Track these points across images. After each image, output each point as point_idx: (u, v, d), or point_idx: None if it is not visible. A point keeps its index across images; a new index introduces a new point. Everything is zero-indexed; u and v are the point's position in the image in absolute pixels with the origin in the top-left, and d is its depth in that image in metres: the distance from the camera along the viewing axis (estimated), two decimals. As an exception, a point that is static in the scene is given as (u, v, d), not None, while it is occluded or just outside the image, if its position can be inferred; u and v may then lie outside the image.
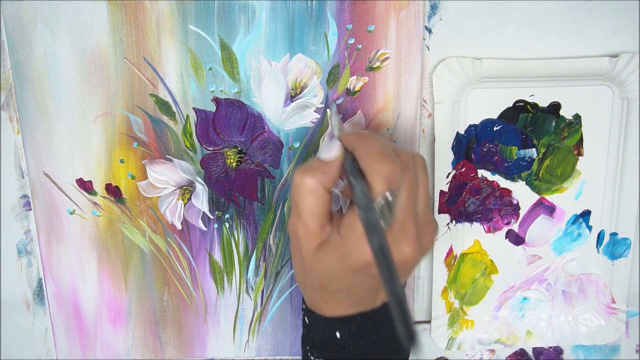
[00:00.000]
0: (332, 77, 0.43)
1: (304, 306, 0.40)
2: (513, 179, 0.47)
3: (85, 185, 0.45)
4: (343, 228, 0.34)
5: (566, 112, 0.45)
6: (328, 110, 0.44)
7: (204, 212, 0.46)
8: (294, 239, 0.36)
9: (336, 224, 0.35)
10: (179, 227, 0.46)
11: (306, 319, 0.40)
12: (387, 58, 0.43)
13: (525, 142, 0.46)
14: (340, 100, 0.44)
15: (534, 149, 0.46)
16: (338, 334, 0.37)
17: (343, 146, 0.36)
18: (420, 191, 0.35)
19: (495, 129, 0.45)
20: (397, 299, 0.29)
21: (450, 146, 0.45)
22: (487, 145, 0.46)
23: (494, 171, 0.46)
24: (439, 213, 0.47)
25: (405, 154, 0.35)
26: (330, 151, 0.35)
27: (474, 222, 0.48)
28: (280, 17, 0.42)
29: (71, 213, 0.46)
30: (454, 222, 0.47)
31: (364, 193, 0.32)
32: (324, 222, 0.35)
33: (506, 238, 0.48)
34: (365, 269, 0.33)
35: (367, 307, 0.37)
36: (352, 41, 0.42)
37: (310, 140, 0.44)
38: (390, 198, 0.32)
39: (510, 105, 0.45)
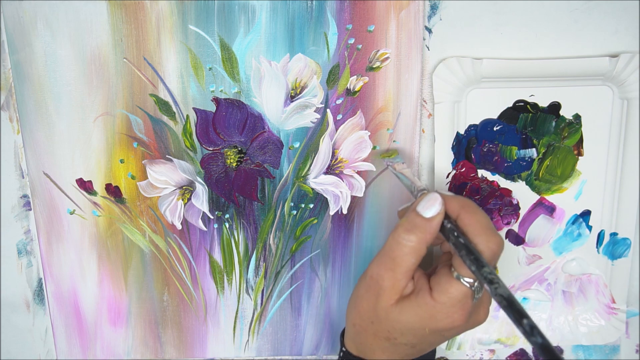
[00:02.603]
0: (332, 77, 0.43)
1: (344, 349, 0.41)
2: (513, 179, 0.47)
3: (85, 185, 0.45)
4: (438, 292, 0.35)
5: (566, 112, 0.45)
6: (390, 165, 0.43)
7: (204, 212, 0.46)
8: (374, 287, 0.36)
9: (422, 282, 0.36)
10: (179, 227, 0.46)
11: None
12: (387, 58, 0.43)
13: (525, 142, 0.46)
14: (341, 100, 0.44)
15: (534, 149, 0.46)
16: None
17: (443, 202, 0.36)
18: None
19: (495, 129, 0.45)
20: (548, 347, 0.30)
21: (450, 146, 0.45)
22: (487, 145, 0.46)
23: (494, 171, 0.46)
24: (439, 213, 0.47)
25: None
26: (431, 207, 0.35)
27: (474, 222, 0.48)
28: (280, 17, 0.42)
29: (71, 213, 0.46)
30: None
31: (486, 265, 0.33)
32: (411, 277, 0.36)
33: (506, 238, 0.48)
34: (447, 332, 0.36)
35: (414, 357, 0.39)
36: (352, 41, 0.42)
37: (310, 140, 0.44)
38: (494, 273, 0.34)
39: (510, 105, 0.45)
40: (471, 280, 0.35)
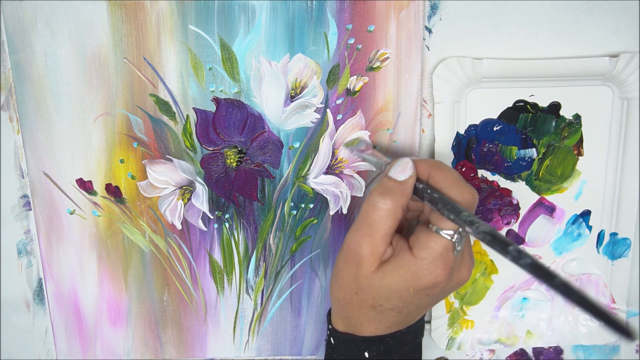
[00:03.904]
0: (332, 77, 0.43)
1: (330, 327, 0.40)
2: (513, 179, 0.47)
3: (85, 185, 0.45)
4: (418, 249, 0.35)
5: (566, 112, 0.45)
6: (356, 150, 0.44)
7: (204, 212, 0.46)
8: (353, 257, 0.36)
9: (401, 244, 0.36)
10: (179, 227, 0.46)
11: (332, 339, 0.40)
12: (387, 58, 0.43)
13: (525, 142, 0.46)
14: (341, 100, 0.44)
15: (534, 149, 0.46)
16: (367, 354, 0.38)
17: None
18: None
19: (495, 129, 0.45)
20: (581, 296, 0.29)
21: (450, 146, 0.45)
22: (487, 145, 0.46)
23: (494, 171, 0.46)
24: (439, 213, 0.47)
25: None
26: (403, 171, 0.36)
27: (474, 222, 0.48)
28: (280, 17, 0.42)
29: (71, 213, 0.46)
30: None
31: (463, 209, 0.33)
32: (389, 242, 0.36)
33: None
34: (431, 289, 0.35)
35: (402, 327, 0.38)
36: (352, 41, 0.42)
37: (310, 140, 0.44)
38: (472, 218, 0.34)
39: (510, 105, 0.45)
40: (451, 232, 0.35)
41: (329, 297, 0.41)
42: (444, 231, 0.35)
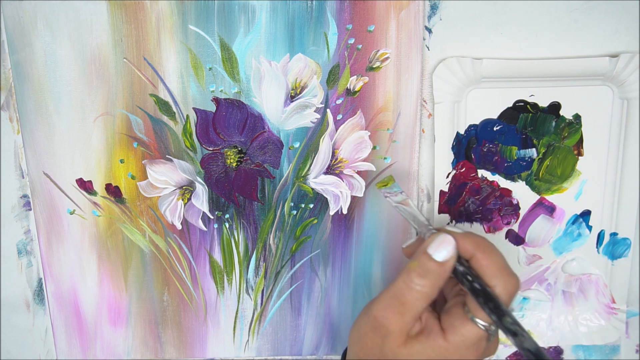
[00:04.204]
0: (332, 77, 0.43)
1: None
2: (513, 179, 0.47)
3: (85, 185, 0.45)
4: (452, 334, 0.34)
5: (566, 112, 0.45)
6: (388, 197, 0.39)
7: (204, 212, 0.46)
8: (380, 329, 0.35)
9: (432, 322, 0.35)
10: (179, 227, 0.46)
11: None
12: (387, 58, 0.43)
13: (525, 142, 0.46)
14: (341, 100, 0.44)
15: (534, 149, 0.46)
16: None
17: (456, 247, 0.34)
18: None
19: (495, 129, 0.45)
20: None
21: (450, 146, 0.45)
22: (487, 145, 0.46)
23: (494, 171, 0.46)
24: (439, 213, 0.47)
25: None
26: (443, 250, 0.34)
27: (474, 222, 0.48)
28: (280, 17, 0.42)
29: (71, 213, 0.46)
30: (454, 222, 0.47)
31: (507, 312, 0.32)
32: (419, 319, 0.35)
33: (506, 238, 0.48)
34: None
35: None
36: (352, 41, 0.42)
37: (310, 140, 0.44)
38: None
39: (510, 105, 0.45)
40: (486, 324, 0.33)
41: (348, 345, 0.39)
42: (481, 321, 0.33)
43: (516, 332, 0.31)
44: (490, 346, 0.36)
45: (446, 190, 0.46)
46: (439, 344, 0.34)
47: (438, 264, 0.33)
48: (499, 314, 0.31)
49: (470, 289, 0.33)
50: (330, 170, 0.45)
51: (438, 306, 0.38)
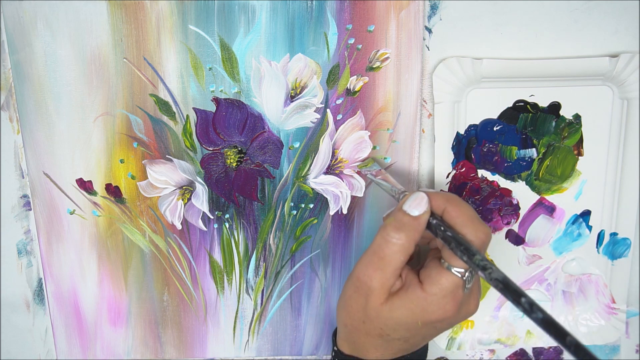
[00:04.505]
0: (332, 77, 0.43)
1: (335, 348, 0.41)
2: (513, 179, 0.47)
3: (85, 185, 0.45)
4: (429, 284, 0.35)
5: (566, 112, 0.45)
6: (369, 173, 0.44)
7: (204, 212, 0.46)
8: (363, 288, 0.36)
9: (411, 277, 0.37)
10: (179, 227, 0.46)
11: None
12: (387, 58, 0.43)
13: (525, 142, 0.46)
14: (341, 100, 0.44)
15: (534, 149, 0.46)
16: None
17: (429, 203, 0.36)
18: None
19: (495, 129, 0.45)
20: (548, 320, 0.30)
21: (450, 146, 0.45)
22: (487, 145, 0.46)
23: (494, 171, 0.46)
24: (439, 213, 0.47)
25: None
26: (418, 206, 0.36)
27: (474, 222, 0.48)
28: (280, 17, 0.42)
29: (71, 213, 0.46)
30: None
31: (477, 252, 0.33)
32: (399, 275, 0.37)
33: (506, 238, 0.48)
34: (439, 323, 0.36)
35: (407, 353, 0.39)
36: (352, 41, 0.42)
37: (310, 140, 0.44)
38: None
39: (510, 105, 0.45)
40: (462, 270, 0.35)
41: (336, 318, 0.41)
42: (456, 269, 0.35)
43: (485, 266, 0.33)
44: (469, 300, 0.37)
45: (446, 190, 0.46)
46: (417, 295, 0.35)
47: (413, 217, 0.35)
48: (469, 254, 0.33)
49: (443, 238, 0.35)
50: (330, 170, 0.45)
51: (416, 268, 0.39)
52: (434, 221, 0.36)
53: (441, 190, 0.38)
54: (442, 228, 0.35)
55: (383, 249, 0.36)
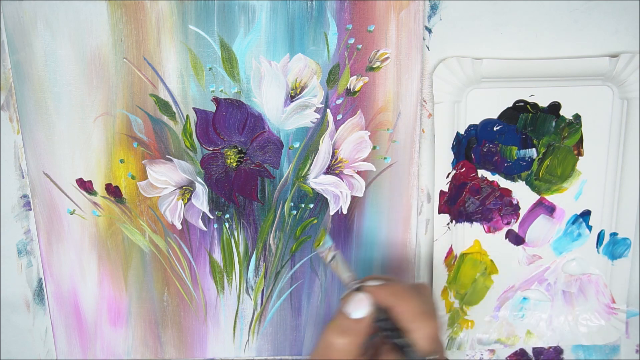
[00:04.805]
0: (332, 77, 0.43)
1: None
2: (513, 179, 0.47)
3: (85, 185, 0.45)
4: None
5: (566, 112, 0.45)
6: (322, 254, 0.42)
7: (204, 212, 0.46)
8: None
9: None
10: (179, 227, 0.46)
11: None
12: (387, 58, 0.43)
13: (525, 142, 0.46)
14: (341, 100, 0.44)
15: (534, 149, 0.46)
16: None
17: (372, 301, 0.35)
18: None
19: (495, 129, 0.45)
20: None
21: (450, 146, 0.45)
22: (487, 145, 0.46)
23: (494, 171, 0.46)
24: (439, 213, 0.47)
25: (422, 294, 0.37)
26: (358, 309, 0.35)
27: (474, 222, 0.48)
28: (280, 17, 0.42)
29: (71, 213, 0.46)
30: (454, 222, 0.47)
31: (417, 356, 0.33)
32: None
33: (506, 238, 0.48)
34: None
35: None
36: (352, 41, 0.42)
37: (310, 140, 0.44)
38: (433, 357, 0.34)
39: (510, 105, 0.45)
40: None
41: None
42: None
43: None
44: None
45: (446, 190, 0.46)
46: None
47: (355, 321, 0.35)
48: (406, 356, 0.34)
49: (385, 337, 0.35)
50: (330, 170, 0.45)
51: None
52: (378, 324, 0.35)
53: (388, 280, 0.38)
54: (385, 332, 0.35)
55: (327, 353, 0.35)
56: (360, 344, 0.35)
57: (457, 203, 0.47)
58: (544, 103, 0.45)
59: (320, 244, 0.40)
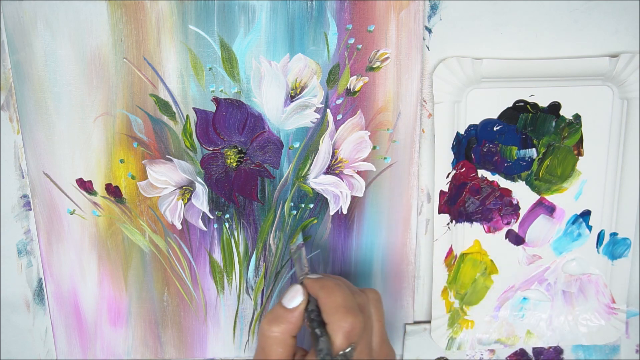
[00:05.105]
0: (332, 77, 0.43)
1: None
2: (513, 179, 0.47)
3: (85, 185, 0.45)
4: None
5: (566, 112, 0.45)
6: (291, 248, 0.46)
7: (204, 212, 0.46)
8: None
9: None
10: (179, 227, 0.46)
11: None
12: (387, 58, 0.43)
13: (525, 142, 0.46)
14: (341, 100, 0.44)
15: (534, 149, 0.46)
16: None
17: (307, 292, 0.37)
18: (375, 329, 0.37)
19: (495, 129, 0.45)
20: None
21: (450, 146, 0.45)
22: (487, 145, 0.46)
23: (494, 171, 0.46)
24: (439, 213, 0.47)
25: (361, 295, 0.37)
26: (293, 299, 0.37)
27: (474, 222, 0.48)
28: (280, 17, 0.42)
29: (71, 213, 0.46)
30: (454, 222, 0.47)
31: (327, 348, 0.34)
32: None
33: (506, 238, 0.48)
34: None
35: None
36: (352, 41, 0.42)
37: (310, 140, 0.44)
38: (349, 353, 0.34)
39: (510, 105, 0.45)
40: None
41: None
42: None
43: None
44: None
45: (446, 190, 0.46)
46: None
47: (286, 310, 0.36)
48: (317, 348, 0.34)
49: (311, 334, 0.36)
50: (330, 170, 0.45)
51: None
52: (307, 312, 0.36)
53: (324, 275, 0.39)
54: (309, 322, 0.36)
55: (261, 341, 0.36)
56: (291, 332, 0.36)
57: (457, 203, 0.47)
58: (544, 103, 0.45)
59: (294, 241, 0.45)
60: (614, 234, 0.48)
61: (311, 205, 0.46)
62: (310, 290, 0.37)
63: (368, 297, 0.38)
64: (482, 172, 0.46)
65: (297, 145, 0.45)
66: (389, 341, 0.40)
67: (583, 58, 0.43)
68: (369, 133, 0.45)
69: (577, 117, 0.45)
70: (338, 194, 0.46)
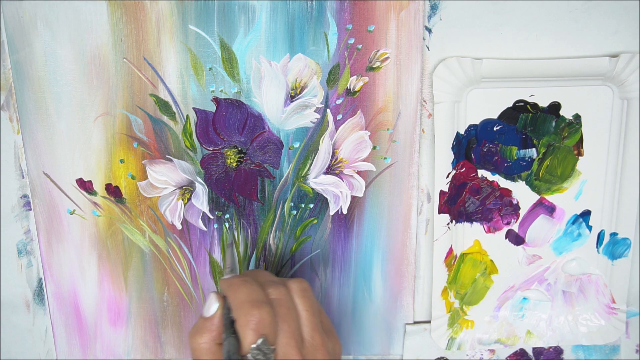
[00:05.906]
0: (332, 77, 0.43)
1: None
2: (513, 179, 0.47)
3: (85, 185, 0.45)
4: None
5: (566, 112, 0.45)
6: (227, 247, 0.46)
7: (204, 212, 0.46)
8: None
9: None
10: (179, 227, 0.46)
11: None
12: (387, 58, 0.43)
13: (525, 142, 0.46)
14: (341, 100, 0.44)
15: (534, 149, 0.46)
16: None
17: (222, 296, 0.37)
18: (304, 318, 0.36)
19: (495, 129, 0.45)
20: None
21: (450, 146, 0.45)
22: (487, 145, 0.46)
23: (494, 171, 0.46)
24: (439, 213, 0.47)
25: (277, 289, 0.36)
26: (209, 307, 0.36)
27: (474, 222, 0.48)
28: (280, 17, 0.42)
29: (71, 213, 0.46)
30: (454, 222, 0.47)
31: (228, 351, 0.34)
32: None
33: (506, 238, 0.48)
34: None
35: None
36: (352, 41, 0.42)
37: (310, 140, 0.44)
38: (262, 346, 0.34)
39: (510, 105, 0.45)
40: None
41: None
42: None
43: None
44: None
45: (446, 190, 0.46)
46: None
47: (205, 319, 0.36)
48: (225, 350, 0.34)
49: (224, 329, 0.35)
50: (330, 170, 0.45)
51: None
52: (227, 313, 0.36)
53: (239, 274, 0.39)
54: (230, 320, 0.35)
55: (193, 355, 0.36)
56: (216, 339, 0.35)
57: (457, 203, 0.47)
58: (544, 103, 0.45)
59: (227, 239, 0.46)
60: (614, 234, 0.48)
61: (311, 205, 0.46)
62: (223, 292, 0.37)
63: (289, 288, 0.37)
64: (482, 172, 0.46)
65: (297, 145, 0.45)
66: (334, 331, 0.39)
67: (583, 58, 0.43)
68: (369, 133, 0.45)
69: (577, 117, 0.45)
70: (338, 194, 0.46)
